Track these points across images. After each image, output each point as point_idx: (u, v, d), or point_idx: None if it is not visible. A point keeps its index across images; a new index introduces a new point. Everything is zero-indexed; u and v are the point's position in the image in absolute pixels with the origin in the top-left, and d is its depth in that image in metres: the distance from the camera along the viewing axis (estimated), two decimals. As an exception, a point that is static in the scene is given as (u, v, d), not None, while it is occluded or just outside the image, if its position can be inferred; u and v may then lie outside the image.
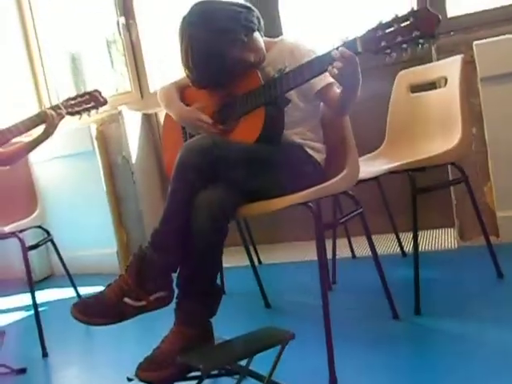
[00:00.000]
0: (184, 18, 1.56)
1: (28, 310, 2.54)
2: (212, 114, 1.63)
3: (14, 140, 1.96)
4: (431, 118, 2.07)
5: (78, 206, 3.10)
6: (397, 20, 1.28)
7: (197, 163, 1.37)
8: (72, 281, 2.43)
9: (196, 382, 1.37)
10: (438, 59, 2.38)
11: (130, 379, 1.36)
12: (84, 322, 1.34)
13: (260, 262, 2.69)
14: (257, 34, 1.57)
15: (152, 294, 1.38)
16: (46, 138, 1.97)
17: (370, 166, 1.99)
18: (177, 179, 1.39)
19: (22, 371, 1.80)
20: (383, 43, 1.29)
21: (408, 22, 1.26)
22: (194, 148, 1.39)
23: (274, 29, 2.68)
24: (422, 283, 1.75)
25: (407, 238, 2.53)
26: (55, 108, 1.94)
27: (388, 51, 1.28)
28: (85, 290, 2.49)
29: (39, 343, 1.96)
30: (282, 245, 2.97)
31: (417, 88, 2.20)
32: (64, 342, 2.09)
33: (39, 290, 2.90)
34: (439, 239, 2.59)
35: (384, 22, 1.29)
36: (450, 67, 2.01)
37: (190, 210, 1.36)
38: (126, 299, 1.35)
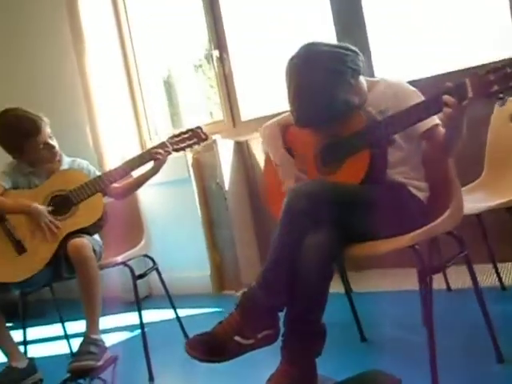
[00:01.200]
0: (292, 59, 1.62)
1: (132, 331, 2.70)
2: (314, 155, 1.67)
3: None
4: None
5: (174, 230, 3.26)
6: (509, 63, 1.26)
7: (304, 208, 1.42)
8: (172, 303, 2.51)
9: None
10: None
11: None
12: (198, 359, 1.42)
13: (351, 289, 2.68)
14: (362, 78, 1.61)
15: (260, 333, 1.45)
16: (155, 173, 2.11)
17: (469, 201, 1.95)
18: (285, 223, 1.44)
19: (133, 395, 1.93)
20: (495, 87, 1.27)
21: None
22: (301, 192, 1.44)
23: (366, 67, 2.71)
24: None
25: (506, 270, 2.43)
26: (162, 146, 2.07)
27: (501, 96, 1.27)
28: (181, 312, 2.60)
29: (146, 367, 2.07)
30: (372, 272, 2.94)
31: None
32: (168, 366, 2.21)
33: (134, 311, 3.07)
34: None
35: (495, 66, 1.28)
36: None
37: (297, 252, 1.41)
38: (237, 337, 1.42)
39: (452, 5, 2.77)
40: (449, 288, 2.45)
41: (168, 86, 3.95)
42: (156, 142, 3.49)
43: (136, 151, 3.66)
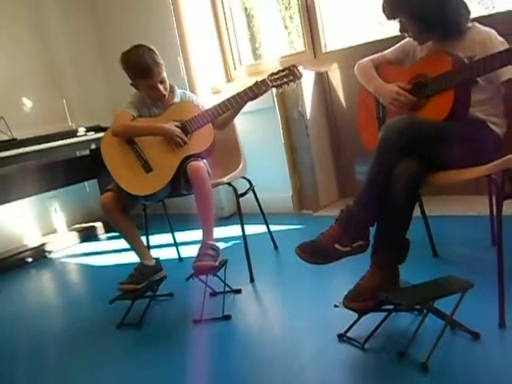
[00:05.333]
0: None
1: (229, 241, 3.11)
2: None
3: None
4: None
5: (260, 155, 3.57)
6: None
7: (396, 140, 1.68)
8: (265, 219, 2.82)
9: (386, 314, 1.75)
10: None
11: (336, 306, 1.78)
12: (306, 261, 1.76)
13: (424, 212, 2.94)
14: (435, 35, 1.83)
15: (355, 242, 1.76)
16: (247, 102, 2.36)
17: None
18: (379, 153, 1.71)
19: (239, 291, 2.34)
20: None
21: None
22: (394, 127, 1.69)
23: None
24: None
25: None
26: (264, 82, 2.32)
27: None
28: (265, 228, 2.96)
29: (247, 269, 2.47)
30: (447, 197, 3.14)
31: None
32: (265, 269, 2.59)
33: (230, 224, 3.49)
34: None
35: None
36: None
37: (389, 178, 1.69)
38: (336, 245, 1.75)
39: None
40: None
41: (250, 17, 4.11)
42: (241, 73, 3.77)
43: (222, 80, 3.95)
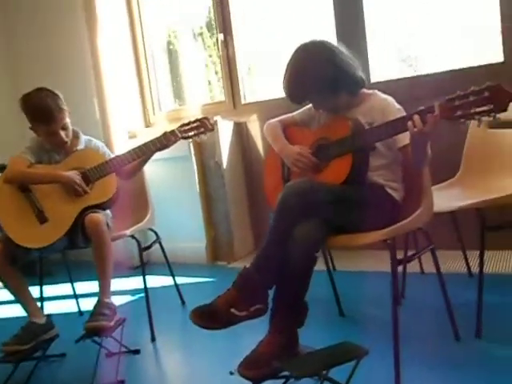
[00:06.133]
0: (298, 48, 1.86)
1: (134, 295, 2.97)
2: (308, 154, 1.91)
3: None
4: (506, 156, 2.24)
5: (174, 203, 3.50)
6: (473, 93, 1.46)
7: (295, 203, 1.66)
8: (172, 271, 2.74)
9: (283, 381, 1.68)
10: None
11: (231, 373, 1.69)
12: (200, 326, 1.68)
13: (334, 268, 2.95)
14: (344, 95, 1.85)
15: (252, 306, 1.70)
16: (156, 152, 2.30)
17: (443, 198, 2.19)
18: (278, 214, 1.68)
19: (137, 352, 2.20)
20: (459, 112, 1.49)
21: (483, 96, 1.43)
22: (293, 190, 1.68)
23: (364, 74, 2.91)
24: (485, 306, 1.92)
25: (475, 257, 2.69)
26: (173, 134, 2.28)
27: (462, 120, 1.48)
28: (177, 280, 2.85)
29: (149, 327, 2.34)
30: (357, 252, 3.18)
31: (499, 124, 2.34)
32: (168, 327, 2.47)
33: (138, 275, 3.33)
34: (508, 261, 2.74)
35: (462, 93, 1.49)
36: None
37: (287, 240, 1.66)
38: (233, 310, 1.68)
39: (446, 10, 2.97)
40: (422, 271, 2.73)
41: (174, 61, 4.10)
42: (160, 118, 3.71)
43: (140, 125, 3.87)
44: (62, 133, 2.20)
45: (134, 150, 2.26)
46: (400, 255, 2.23)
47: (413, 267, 2.66)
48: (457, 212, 2.43)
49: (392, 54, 3.20)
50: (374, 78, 3.07)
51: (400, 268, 2.32)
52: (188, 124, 2.32)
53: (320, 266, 2.50)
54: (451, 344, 1.94)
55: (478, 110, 1.45)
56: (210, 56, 3.94)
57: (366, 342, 1.60)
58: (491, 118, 1.44)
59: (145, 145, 2.26)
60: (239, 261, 3.42)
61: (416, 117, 1.55)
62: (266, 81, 3.64)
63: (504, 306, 2.22)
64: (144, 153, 2.26)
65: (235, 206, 3.47)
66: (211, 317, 1.67)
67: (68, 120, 2.22)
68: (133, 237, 2.35)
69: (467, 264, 2.63)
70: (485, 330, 1.94)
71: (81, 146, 2.32)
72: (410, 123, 1.56)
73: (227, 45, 3.49)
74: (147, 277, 3.02)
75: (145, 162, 2.36)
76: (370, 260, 3.01)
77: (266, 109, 3.34)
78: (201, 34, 3.88)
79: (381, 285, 2.63)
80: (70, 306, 2.84)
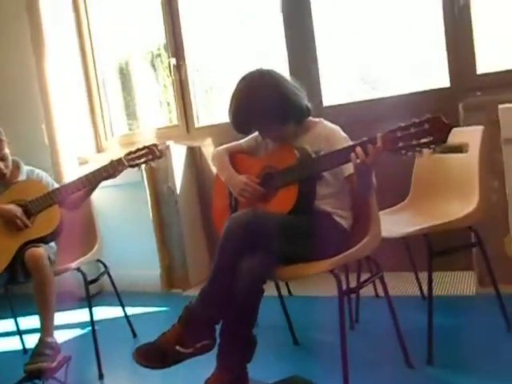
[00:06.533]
0: (245, 77, 1.84)
1: (83, 328, 2.85)
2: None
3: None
4: (451, 180, 2.27)
5: (127, 230, 3.41)
6: (414, 125, 1.47)
7: (240, 234, 1.63)
8: (122, 303, 2.64)
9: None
10: (465, 117, 2.57)
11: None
12: (143, 366, 1.61)
13: (290, 293, 2.92)
14: (290, 124, 1.84)
15: (198, 342, 1.65)
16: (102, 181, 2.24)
17: (393, 223, 2.20)
18: (223, 247, 1.65)
19: (82, 391, 2.11)
20: (400, 144, 1.49)
21: (423, 128, 1.44)
22: (237, 221, 1.65)
23: (315, 96, 2.93)
24: (436, 330, 1.92)
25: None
26: (120, 162, 2.21)
27: (403, 152, 1.49)
28: (130, 310, 2.77)
29: (96, 364, 2.24)
30: (313, 277, 3.16)
31: (444, 149, 2.38)
32: (117, 364, 2.37)
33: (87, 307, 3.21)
34: (459, 283, 2.76)
35: (403, 125, 1.50)
36: (472, 135, 2.17)
37: (233, 273, 1.62)
38: (178, 347, 1.62)
39: (395, 34, 3.04)
40: (377, 295, 2.73)
41: (127, 85, 4.04)
42: (112, 143, 3.64)
43: (92, 150, 3.78)
44: (1, 164, 2.12)
45: (79, 179, 2.19)
46: (354, 278, 2.25)
47: (368, 290, 2.66)
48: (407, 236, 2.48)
49: (349, 77, 3.24)
50: (326, 102, 3.10)
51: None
52: (135, 152, 2.26)
53: (275, 291, 2.50)
54: (402, 371, 1.92)
55: (419, 141, 1.45)
56: (169, 77, 3.90)
57: (317, 372, 1.57)
58: (431, 150, 1.45)
59: (92, 173, 2.19)
60: (195, 288, 3.34)
61: (358, 148, 1.55)
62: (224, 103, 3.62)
63: (456, 329, 2.23)
64: (90, 182, 2.19)
65: (190, 232, 3.41)
66: (155, 355, 1.62)
67: (7, 151, 2.14)
68: (78, 270, 2.26)
69: (420, 287, 2.65)
70: (437, 355, 1.93)
71: (22, 177, 2.24)
72: (353, 155, 1.56)
73: (180, 69, 3.46)
74: (99, 308, 2.93)
75: (91, 191, 2.29)
76: (328, 284, 2.97)
77: (220, 132, 3.31)
78: (159, 55, 3.84)
79: (335, 310, 2.63)
80: (13, 344, 2.70)
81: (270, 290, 2.70)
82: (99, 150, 3.82)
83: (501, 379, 1.77)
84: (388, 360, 2.03)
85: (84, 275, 2.25)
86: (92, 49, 3.78)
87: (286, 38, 3.13)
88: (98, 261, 2.49)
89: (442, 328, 2.11)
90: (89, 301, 2.26)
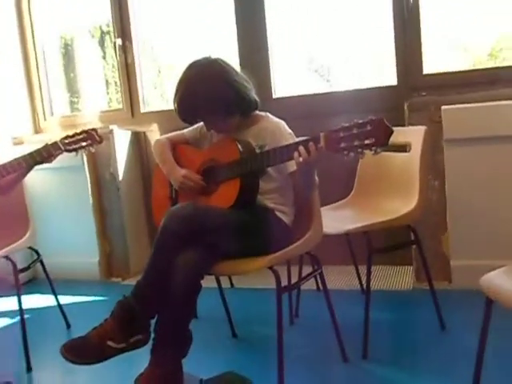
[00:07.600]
0: (191, 65, 1.78)
1: (13, 317, 2.71)
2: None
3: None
4: (393, 178, 2.30)
5: (65, 216, 3.28)
6: (357, 125, 1.45)
7: (178, 229, 1.57)
8: (54, 292, 2.53)
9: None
10: (409, 116, 2.61)
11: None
12: (72, 362, 1.54)
13: (232, 285, 2.90)
14: (237, 116, 1.80)
15: (132, 337, 1.59)
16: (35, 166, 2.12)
17: (335, 219, 2.20)
18: (159, 241, 1.60)
19: (9, 384, 2.01)
20: (342, 144, 1.46)
21: (366, 129, 1.42)
22: (175, 215, 1.59)
23: (266, 90, 2.92)
24: (373, 325, 1.95)
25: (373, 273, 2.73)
26: (55, 146, 2.10)
27: (345, 152, 1.47)
28: (66, 299, 2.67)
29: (24, 356, 2.13)
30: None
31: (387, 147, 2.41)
32: (48, 355, 2.27)
33: (25, 293, 3.07)
34: (398, 277, 2.83)
35: (346, 125, 1.48)
36: (415, 135, 2.21)
37: (170, 267, 1.57)
38: (109, 342, 1.56)
39: (348, 27, 3.05)
40: (318, 288, 2.73)
41: (68, 68, 3.86)
42: (52, 124, 3.47)
43: (29, 130, 3.60)
44: None
45: (9, 162, 2.05)
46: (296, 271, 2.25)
47: (310, 284, 2.66)
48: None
49: (302, 69, 3.22)
50: (277, 94, 3.07)
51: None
52: (73, 136, 2.14)
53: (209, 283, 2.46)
54: (338, 366, 1.94)
55: (361, 143, 1.43)
56: (108, 63, 3.76)
57: (254, 366, 1.55)
58: (372, 152, 1.43)
59: (23, 157, 2.06)
60: (135, 277, 3.26)
61: (301, 147, 1.52)
62: (165, 91, 3.53)
63: (392, 324, 2.27)
64: (21, 166, 2.06)
65: (132, 220, 3.32)
66: (85, 350, 1.55)
67: None
68: (7, 258, 2.14)
69: (360, 281, 2.68)
70: (372, 350, 1.96)
71: None
72: (296, 153, 1.53)
73: (125, 50, 3.33)
74: (32, 296, 2.80)
75: (23, 176, 2.16)
76: (271, 276, 2.94)
77: (166, 118, 3.21)
78: (108, 32, 3.67)
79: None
80: None
81: (211, 281, 2.71)
82: (37, 130, 3.64)
83: (432, 374, 1.82)
84: (325, 355, 2.04)
85: (14, 263, 2.14)
86: (31, 21, 3.58)
87: (237, 28, 3.07)
88: (30, 248, 2.37)
89: (378, 322, 2.14)
90: (18, 289, 2.15)
